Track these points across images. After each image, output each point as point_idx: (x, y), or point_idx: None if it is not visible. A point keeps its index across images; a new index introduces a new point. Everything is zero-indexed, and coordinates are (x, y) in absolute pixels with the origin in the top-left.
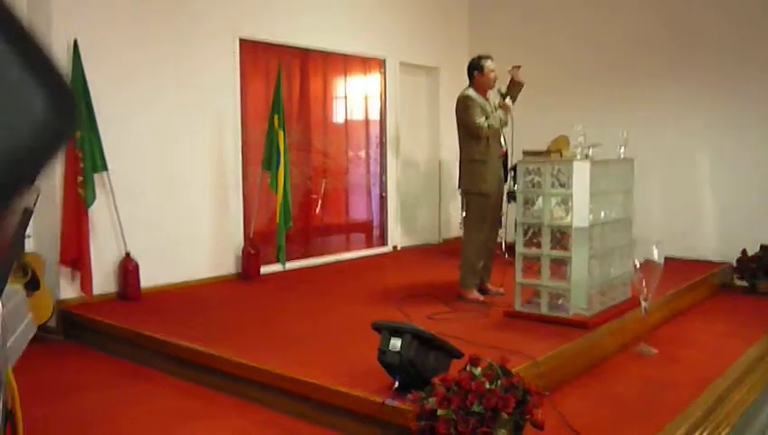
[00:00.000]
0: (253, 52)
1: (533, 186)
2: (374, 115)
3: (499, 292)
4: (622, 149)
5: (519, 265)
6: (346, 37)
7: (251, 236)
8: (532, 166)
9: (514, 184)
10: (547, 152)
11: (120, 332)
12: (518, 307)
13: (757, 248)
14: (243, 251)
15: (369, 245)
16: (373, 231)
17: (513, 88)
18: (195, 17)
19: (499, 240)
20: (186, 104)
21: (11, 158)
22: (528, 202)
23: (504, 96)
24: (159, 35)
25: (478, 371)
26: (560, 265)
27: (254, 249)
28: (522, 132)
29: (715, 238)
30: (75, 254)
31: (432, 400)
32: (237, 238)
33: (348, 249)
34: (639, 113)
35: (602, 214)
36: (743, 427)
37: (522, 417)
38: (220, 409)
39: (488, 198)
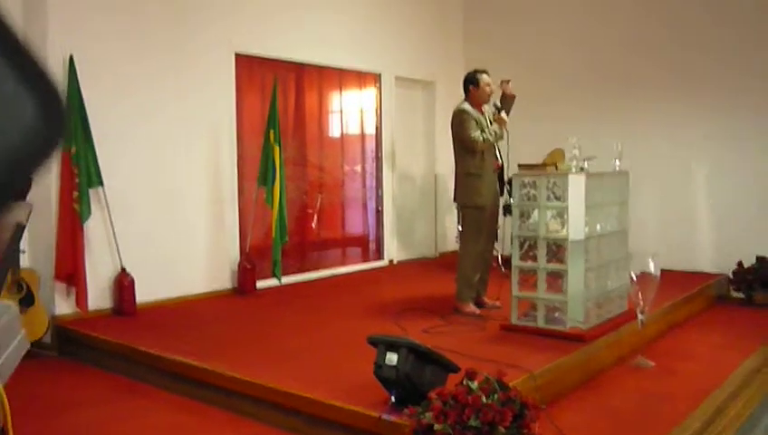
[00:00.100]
0: (248, 66)
1: (529, 199)
2: (370, 129)
3: (495, 305)
4: (617, 162)
5: (515, 278)
6: (341, 52)
7: (247, 250)
8: (527, 179)
9: (510, 197)
10: (542, 165)
11: (115, 347)
12: (514, 320)
13: (753, 260)
14: (238, 266)
15: (366, 259)
16: (369, 245)
17: (506, 101)
18: (191, 32)
19: (495, 253)
20: (182, 119)
21: (2, 163)
22: (524, 215)
23: (498, 110)
24: (155, 51)
25: (475, 384)
26: (556, 278)
27: (250, 264)
28: (517, 145)
29: (712, 250)
30: (70, 269)
31: (429, 414)
32: (233, 253)
33: (344, 263)
34: (635, 124)
35: (598, 226)
36: None
37: (519, 431)
38: (215, 424)
39: (483, 212)
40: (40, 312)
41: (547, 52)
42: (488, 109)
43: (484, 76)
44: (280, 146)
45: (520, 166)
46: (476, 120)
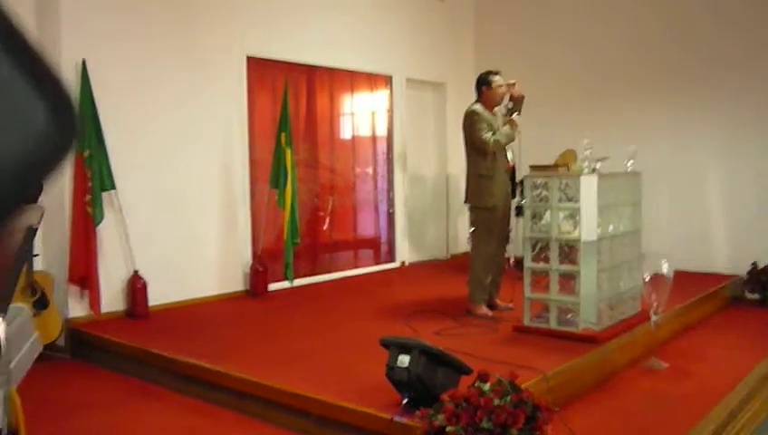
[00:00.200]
0: (260, 69)
1: (541, 200)
2: (381, 131)
3: (508, 307)
4: (630, 163)
5: (527, 279)
6: (352, 54)
7: (259, 253)
8: (539, 180)
9: (522, 198)
10: (554, 166)
11: (128, 350)
12: (527, 322)
13: None
14: (251, 268)
15: (377, 261)
16: (381, 247)
17: (515, 103)
18: (202, 35)
19: (507, 255)
20: (194, 123)
21: (11, 171)
22: (536, 216)
23: (510, 112)
24: (168, 54)
25: (487, 386)
26: (568, 280)
27: (262, 266)
28: (529, 146)
29: (726, 251)
30: (84, 272)
31: (441, 416)
32: (245, 256)
33: (356, 265)
34: (648, 125)
35: (611, 227)
36: None
37: (531, 433)
38: (227, 426)
39: (495, 213)
40: (54, 314)
41: (558, 54)
42: (500, 110)
43: (497, 78)
44: (291, 148)
45: (531, 167)
46: (488, 122)
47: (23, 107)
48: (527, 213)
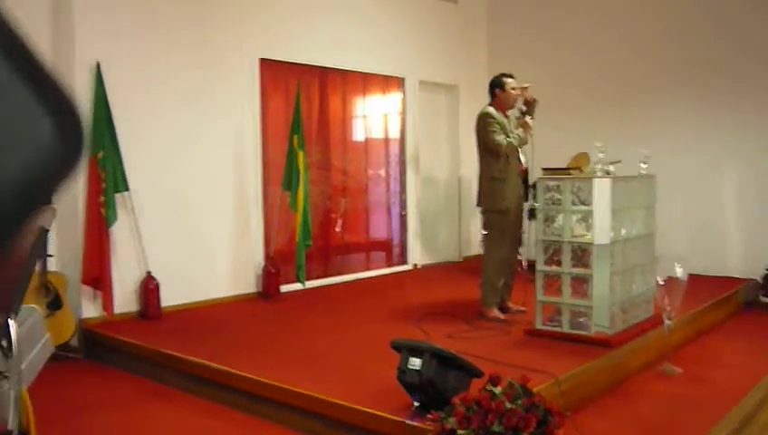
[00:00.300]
0: (272, 71)
1: (554, 203)
2: (394, 133)
3: (520, 310)
4: (643, 166)
5: (540, 282)
6: (365, 56)
7: (271, 255)
8: (551, 183)
9: (534, 201)
10: (567, 169)
11: (140, 350)
12: (539, 325)
13: None
14: (263, 270)
15: (389, 263)
16: (393, 249)
17: (529, 106)
18: (215, 38)
19: (520, 258)
20: (207, 125)
21: (14, 189)
22: (548, 219)
23: (523, 114)
24: (181, 57)
25: (498, 390)
26: (581, 283)
27: (275, 268)
28: (542, 149)
29: (740, 255)
30: (97, 273)
31: (452, 419)
32: (257, 258)
33: (368, 268)
34: (662, 128)
35: (624, 231)
36: None
37: None
38: (238, 427)
39: (507, 216)
40: (67, 315)
41: (571, 58)
42: (513, 113)
43: (511, 80)
44: (304, 150)
45: (544, 169)
46: (500, 124)
47: (27, 121)
48: (539, 216)
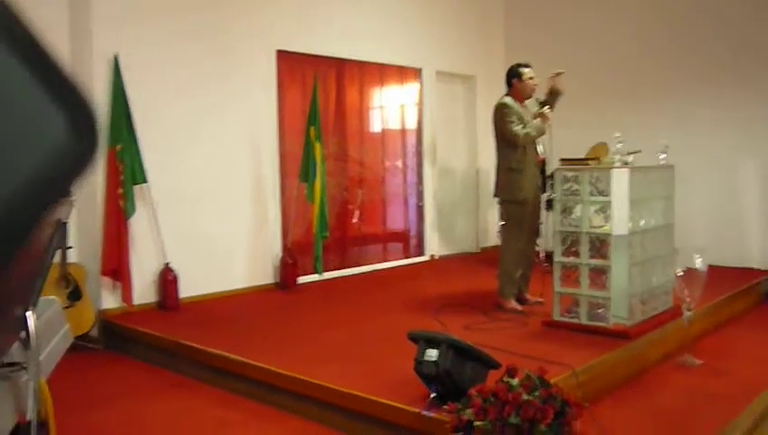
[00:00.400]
0: (289, 63)
1: (571, 194)
2: (411, 124)
3: (537, 301)
4: (662, 156)
5: (557, 273)
6: (382, 47)
7: (288, 246)
8: (569, 174)
9: (552, 192)
10: (585, 160)
11: (159, 341)
12: (557, 317)
13: None
14: (280, 261)
15: (407, 254)
16: (410, 240)
17: (552, 96)
18: (232, 29)
19: (537, 249)
20: (223, 116)
21: (30, 186)
22: (566, 210)
23: (542, 104)
24: (197, 48)
25: (516, 381)
26: (599, 274)
27: (292, 259)
28: (560, 140)
29: (761, 246)
30: (116, 265)
31: (469, 411)
32: (275, 249)
33: (385, 259)
34: (678, 121)
35: (642, 221)
36: None
37: (560, 429)
38: (256, 418)
39: (525, 207)
40: (87, 306)
41: (589, 51)
42: (531, 103)
43: (528, 70)
44: (320, 143)
45: (562, 160)
46: (518, 115)
47: (41, 119)
48: (557, 207)
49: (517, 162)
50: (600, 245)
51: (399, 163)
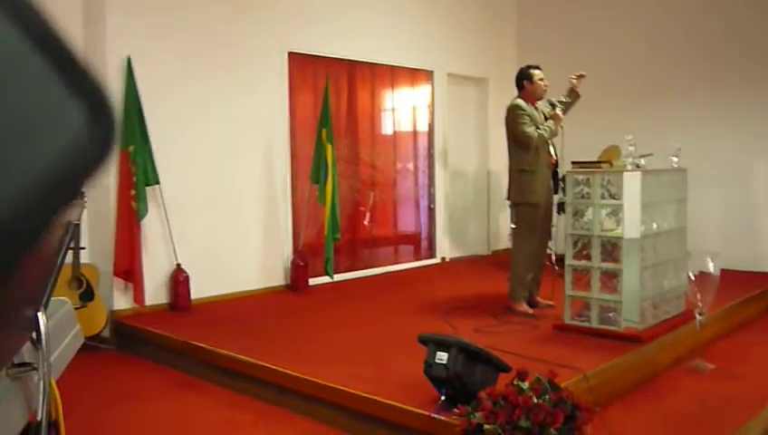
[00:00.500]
0: (301, 65)
1: (583, 197)
2: (422, 127)
3: (548, 304)
4: (675, 159)
5: (569, 277)
6: (394, 49)
7: (299, 248)
8: (581, 177)
9: (564, 195)
10: (597, 163)
11: (170, 342)
12: (568, 320)
13: None
14: (291, 263)
15: (418, 256)
16: (421, 243)
17: (572, 96)
18: (244, 32)
19: (549, 252)
20: (235, 118)
21: (49, 176)
22: (577, 213)
23: (553, 106)
24: (210, 50)
25: (526, 385)
26: (610, 278)
27: (303, 261)
28: (572, 142)
29: None
30: (128, 265)
31: (479, 414)
32: (286, 250)
33: (396, 261)
34: (694, 121)
35: (654, 225)
36: None
37: (570, 433)
38: (267, 419)
39: (537, 209)
40: (99, 306)
41: (602, 48)
42: (542, 105)
43: (538, 71)
44: (332, 145)
45: (573, 163)
46: (530, 116)
47: (59, 109)
48: (568, 210)
49: (529, 164)
50: (611, 248)
51: (411, 165)
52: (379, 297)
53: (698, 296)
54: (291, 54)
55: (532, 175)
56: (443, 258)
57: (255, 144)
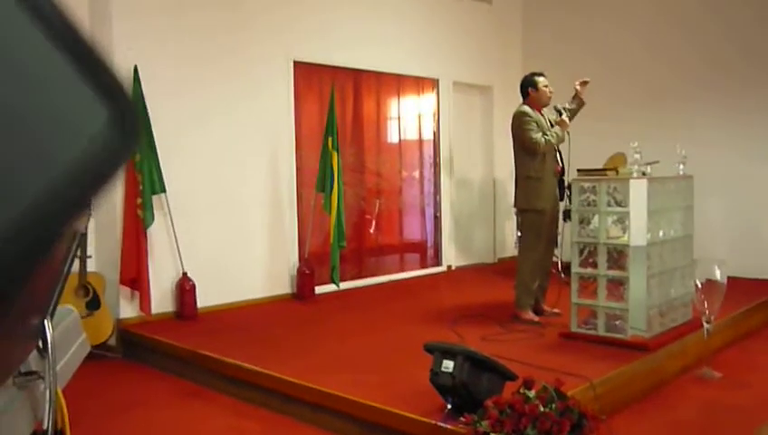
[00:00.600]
0: (307, 73)
1: (589, 204)
2: (427, 135)
3: (554, 312)
4: (681, 166)
5: (575, 285)
6: (399, 58)
7: (305, 256)
8: (587, 184)
9: (570, 202)
10: (603, 170)
11: (176, 350)
12: (574, 328)
13: None
14: (297, 271)
15: (423, 265)
16: (427, 251)
17: (577, 103)
18: (250, 41)
19: (555, 260)
20: (241, 127)
21: (70, 177)
22: (583, 221)
23: (560, 112)
24: (216, 59)
25: (532, 393)
26: (617, 286)
27: (309, 270)
28: (578, 150)
29: None
30: (134, 274)
31: (485, 423)
32: (292, 259)
33: (402, 269)
34: (700, 128)
35: (661, 232)
36: None
37: None
38: (273, 428)
39: (543, 216)
40: (106, 315)
41: (607, 56)
42: (548, 112)
43: (543, 78)
44: (338, 152)
45: (579, 171)
46: (537, 122)
47: (84, 111)
48: (575, 217)
49: (536, 171)
50: (617, 256)
51: (416, 174)
52: (385, 305)
53: (705, 304)
54: (296, 63)
55: (539, 182)
56: (449, 266)
57: (261, 152)
